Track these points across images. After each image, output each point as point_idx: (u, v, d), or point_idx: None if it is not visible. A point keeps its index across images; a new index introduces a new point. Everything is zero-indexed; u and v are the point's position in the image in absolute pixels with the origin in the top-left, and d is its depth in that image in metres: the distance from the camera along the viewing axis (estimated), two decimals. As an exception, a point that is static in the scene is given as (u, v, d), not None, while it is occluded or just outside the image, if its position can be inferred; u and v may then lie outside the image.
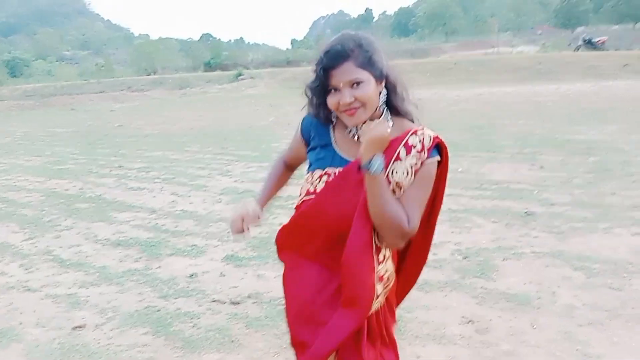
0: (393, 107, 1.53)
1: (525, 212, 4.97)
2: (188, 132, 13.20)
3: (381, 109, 1.51)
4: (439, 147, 1.49)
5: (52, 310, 3.46)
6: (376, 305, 1.53)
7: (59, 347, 2.97)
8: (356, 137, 1.51)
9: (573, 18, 58.18)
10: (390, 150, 1.43)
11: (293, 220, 1.62)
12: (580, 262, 3.75)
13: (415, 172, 1.46)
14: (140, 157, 9.79)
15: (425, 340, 2.86)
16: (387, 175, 1.43)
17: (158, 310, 3.36)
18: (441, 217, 1.67)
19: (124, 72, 43.67)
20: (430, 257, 1.76)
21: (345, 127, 1.53)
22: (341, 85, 1.41)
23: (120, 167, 8.77)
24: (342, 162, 1.52)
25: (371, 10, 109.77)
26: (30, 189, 7.39)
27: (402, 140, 1.45)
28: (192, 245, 4.66)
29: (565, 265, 3.73)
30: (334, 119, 1.56)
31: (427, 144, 1.46)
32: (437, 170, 1.50)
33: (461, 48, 48.22)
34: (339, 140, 1.55)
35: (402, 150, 1.44)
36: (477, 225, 4.76)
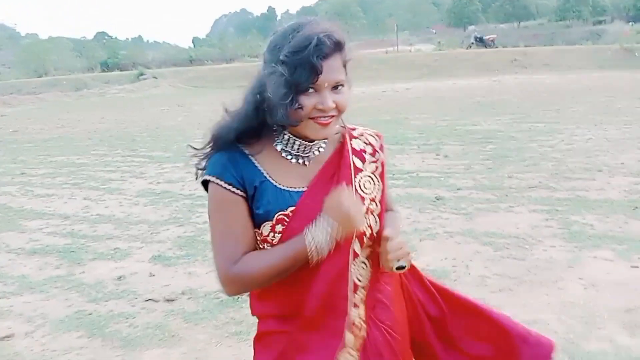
0: None
1: (435, 197, 5.37)
2: (92, 135, 12.60)
3: None
4: None
5: (-28, 323, 3.28)
6: None
7: (-14, 360, 2.85)
8: (303, 162, 1.20)
9: (464, 17, 62.02)
10: (344, 161, 1.23)
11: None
12: (488, 238, 4.16)
13: (380, 175, 1.29)
14: (43, 162, 9.25)
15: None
16: (357, 190, 1.22)
17: (89, 314, 3.30)
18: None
19: (11, 74, 40.42)
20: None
21: (273, 148, 1.20)
22: (326, 85, 1.09)
23: (22, 174, 8.24)
24: (289, 198, 1.16)
25: (274, 9, 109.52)
26: None
27: (346, 147, 1.25)
28: (114, 249, 4.56)
29: (474, 242, 4.12)
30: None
31: (376, 143, 1.31)
32: None
33: (363, 47, 49.54)
34: (268, 168, 1.18)
35: (356, 160, 1.25)
36: (393, 211, 5.07)
